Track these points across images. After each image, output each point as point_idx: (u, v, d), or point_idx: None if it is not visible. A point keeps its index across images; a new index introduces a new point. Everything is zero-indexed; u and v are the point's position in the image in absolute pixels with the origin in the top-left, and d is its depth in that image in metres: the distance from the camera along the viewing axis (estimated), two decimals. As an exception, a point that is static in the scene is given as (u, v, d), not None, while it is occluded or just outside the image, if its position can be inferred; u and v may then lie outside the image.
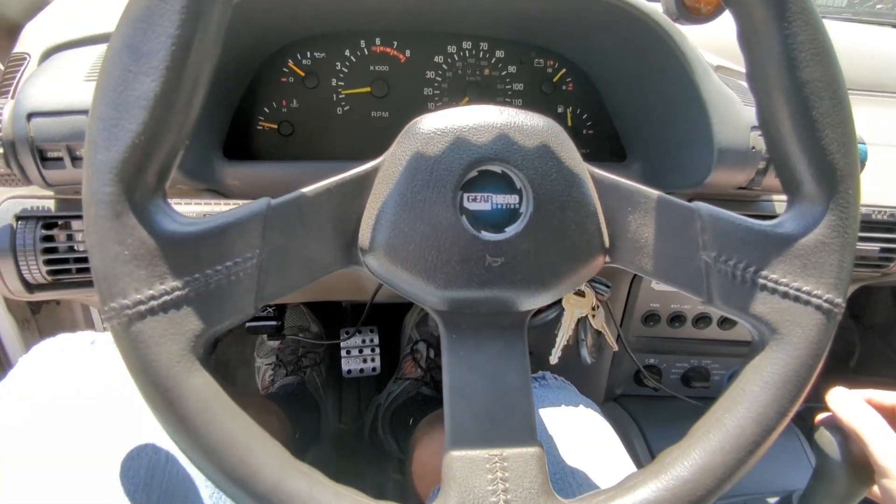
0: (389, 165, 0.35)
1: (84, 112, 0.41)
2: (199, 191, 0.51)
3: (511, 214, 0.36)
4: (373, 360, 1.04)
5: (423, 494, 0.75)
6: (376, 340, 1.05)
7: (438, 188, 0.34)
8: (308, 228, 0.34)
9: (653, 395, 0.82)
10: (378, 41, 0.62)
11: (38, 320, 0.81)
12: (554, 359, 0.55)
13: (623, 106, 0.63)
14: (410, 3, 0.55)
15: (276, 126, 0.61)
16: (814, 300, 0.35)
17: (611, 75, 0.62)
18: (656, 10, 0.51)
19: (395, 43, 0.62)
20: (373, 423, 1.05)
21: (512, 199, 0.36)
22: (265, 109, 0.61)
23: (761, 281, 0.35)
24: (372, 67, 0.62)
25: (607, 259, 0.38)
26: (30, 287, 0.47)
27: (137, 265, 0.28)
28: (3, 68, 0.54)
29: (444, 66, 0.64)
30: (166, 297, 0.29)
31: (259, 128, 0.61)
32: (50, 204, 0.47)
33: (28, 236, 0.45)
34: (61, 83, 0.43)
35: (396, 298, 0.88)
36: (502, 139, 0.35)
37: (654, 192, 0.37)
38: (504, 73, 0.65)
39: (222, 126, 0.54)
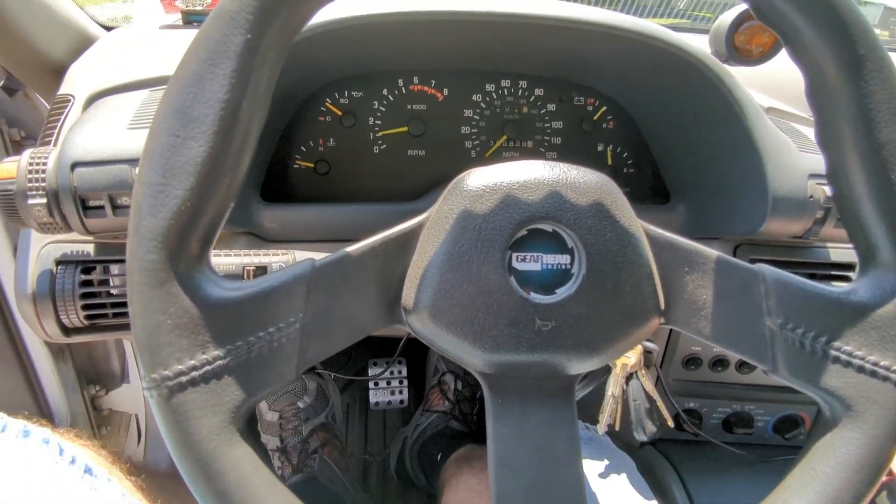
0: (435, 222, 0.34)
1: (126, 161, 0.41)
2: (237, 234, 0.50)
3: (562, 275, 0.34)
4: (401, 392, 1.02)
5: (453, 539, 0.72)
6: (404, 372, 1.03)
7: (486, 247, 0.33)
8: (352, 289, 0.33)
9: (692, 439, 0.78)
10: (416, 80, 0.61)
11: (72, 349, 0.82)
12: (603, 427, 0.53)
13: (667, 146, 0.61)
14: (450, 44, 0.55)
15: (312, 165, 0.61)
16: (892, 376, 0.32)
17: (655, 115, 0.60)
18: (704, 51, 0.50)
19: (433, 82, 0.62)
20: (399, 455, 1.03)
21: (563, 260, 0.34)
22: (302, 148, 0.61)
23: (834, 353, 0.33)
24: (409, 106, 0.62)
25: (662, 321, 0.36)
26: (66, 330, 0.47)
27: (180, 334, 0.27)
28: (48, 108, 0.55)
29: (481, 104, 0.63)
30: (208, 368, 0.28)
31: (295, 166, 0.61)
32: (89, 248, 0.47)
33: (67, 281, 0.45)
34: (104, 132, 0.43)
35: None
36: (553, 197, 0.33)
37: (713, 253, 0.35)
38: (543, 111, 0.64)
39: (260, 169, 0.54)
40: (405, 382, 1.04)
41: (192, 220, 0.27)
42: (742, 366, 0.71)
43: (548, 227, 0.34)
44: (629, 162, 0.66)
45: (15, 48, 0.56)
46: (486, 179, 0.34)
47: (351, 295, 0.33)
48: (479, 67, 0.61)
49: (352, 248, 0.33)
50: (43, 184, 0.39)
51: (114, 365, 0.89)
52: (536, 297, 0.33)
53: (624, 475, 0.52)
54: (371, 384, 1.02)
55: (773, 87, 0.66)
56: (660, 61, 0.51)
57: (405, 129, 0.62)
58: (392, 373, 1.03)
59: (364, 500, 0.90)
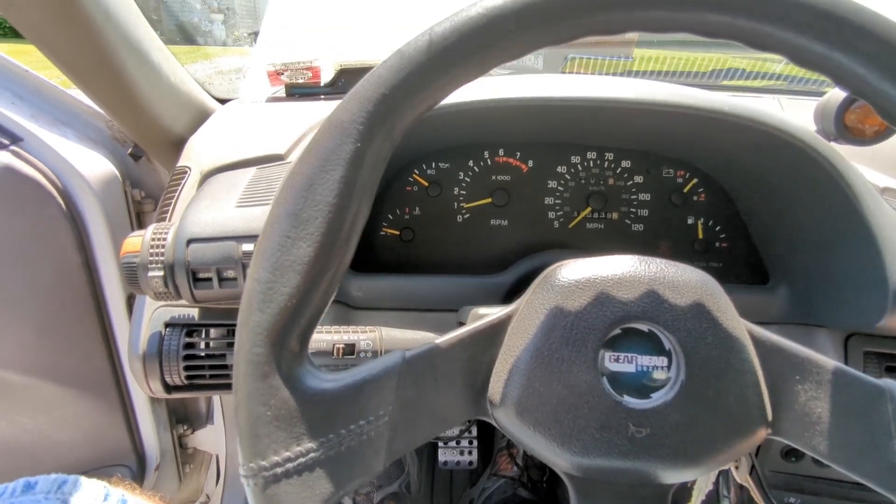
0: (524, 316, 0.34)
1: (234, 238, 0.44)
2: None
3: (659, 379, 0.32)
4: (470, 453, 1.00)
5: None
6: (474, 433, 1.01)
7: (578, 346, 0.32)
8: (439, 381, 0.33)
9: (793, 541, 0.70)
10: (501, 152, 0.62)
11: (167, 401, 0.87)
12: None
13: (766, 224, 0.57)
14: (540, 122, 0.55)
15: (398, 232, 0.63)
16: None
17: (752, 192, 0.58)
18: (809, 130, 0.47)
19: (518, 154, 0.62)
20: (465, 519, 1.00)
21: (660, 362, 0.33)
22: (389, 216, 0.63)
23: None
24: (494, 177, 0.63)
25: (770, 432, 0.33)
26: (168, 388, 0.50)
27: (278, 426, 0.28)
28: (169, 178, 0.60)
29: (566, 175, 0.63)
30: (301, 460, 0.29)
31: (382, 233, 0.63)
32: (194, 312, 0.50)
33: (174, 342, 0.49)
34: (216, 210, 0.47)
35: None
36: (650, 295, 0.32)
37: (829, 363, 0.32)
38: (629, 182, 0.63)
39: (352, 240, 0.57)
40: (475, 443, 1.02)
41: (295, 316, 0.29)
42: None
43: (644, 328, 0.33)
44: (722, 236, 0.63)
45: (142, 122, 0.63)
46: (579, 273, 0.33)
47: (438, 387, 0.33)
48: (565, 140, 0.62)
49: (441, 340, 0.33)
50: (161, 258, 0.43)
51: (200, 405, 0.94)
52: (630, 402, 0.32)
53: None
54: (440, 443, 1.01)
55: (886, 159, 0.61)
56: (761, 140, 0.49)
57: (489, 199, 0.63)
58: (462, 432, 1.02)
59: None
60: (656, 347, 0.33)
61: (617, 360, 0.33)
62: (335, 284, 0.30)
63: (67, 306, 0.70)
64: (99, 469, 0.81)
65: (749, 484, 0.48)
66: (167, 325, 0.50)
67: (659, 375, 0.32)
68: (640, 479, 0.33)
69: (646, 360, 0.33)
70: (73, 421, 0.78)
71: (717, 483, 0.50)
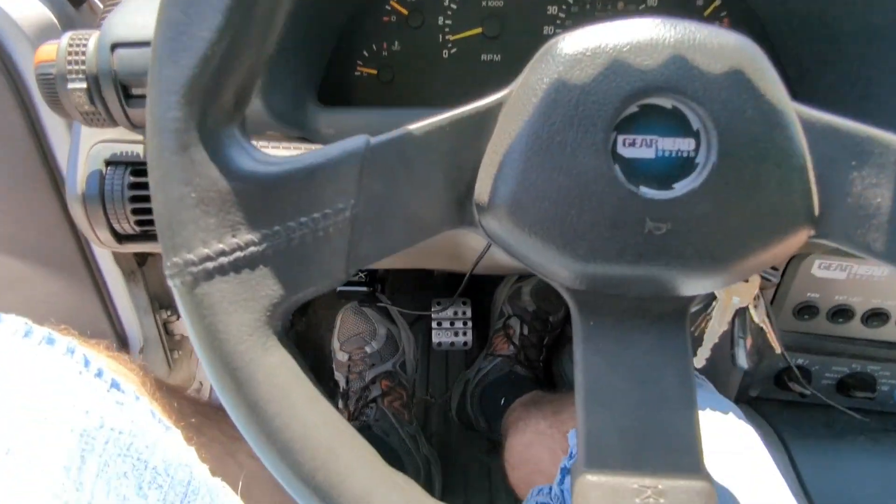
0: (519, 98, 0.27)
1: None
2: (291, 138, 0.45)
3: (683, 165, 0.26)
4: (464, 333, 0.98)
5: (517, 484, 0.68)
6: (469, 314, 0.99)
7: (585, 127, 0.25)
8: (414, 176, 0.27)
9: (798, 401, 0.68)
10: (493, -31, 0.53)
11: (144, 272, 0.83)
12: (701, 360, 0.45)
13: (797, 45, 0.49)
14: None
15: (375, 71, 0.55)
16: None
17: (783, 17, 0.49)
18: None
19: (513, -30, 0.53)
20: (461, 398, 1.00)
21: (685, 145, 0.26)
22: (364, 53, 0.54)
23: None
24: (484, 3, 0.53)
25: (813, 233, 0.27)
26: (119, 237, 0.45)
27: (206, 211, 0.22)
28: (101, 6, 0.51)
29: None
30: (239, 254, 0.23)
31: (357, 73, 0.55)
32: (139, 149, 0.43)
33: (117, 183, 0.43)
34: (148, 10, 0.38)
35: (494, 270, 0.81)
36: (675, 62, 0.25)
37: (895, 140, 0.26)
38: (642, 6, 0.54)
39: (317, 68, 0.49)
40: (469, 324, 1.00)
41: (221, 70, 0.22)
42: (872, 318, 0.60)
43: (666, 103, 0.26)
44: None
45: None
46: (587, 41, 0.26)
47: (412, 184, 0.27)
48: (568, -48, 0.52)
49: (415, 126, 0.27)
50: (83, 66, 0.36)
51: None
52: (648, 192, 0.26)
53: (734, 424, 0.44)
54: (434, 324, 0.99)
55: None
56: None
57: (479, 29, 0.54)
58: (456, 313, 0.99)
59: (422, 458, 0.87)
60: (681, 127, 0.26)
61: (632, 144, 0.26)
62: (271, 37, 0.23)
63: (15, 172, 0.63)
64: (80, 350, 0.78)
65: (767, 326, 0.44)
66: (108, 162, 0.43)
67: (684, 161, 0.26)
68: (655, 289, 0.28)
69: (668, 144, 0.26)
70: (43, 300, 0.74)
71: (732, 325, 0.46)
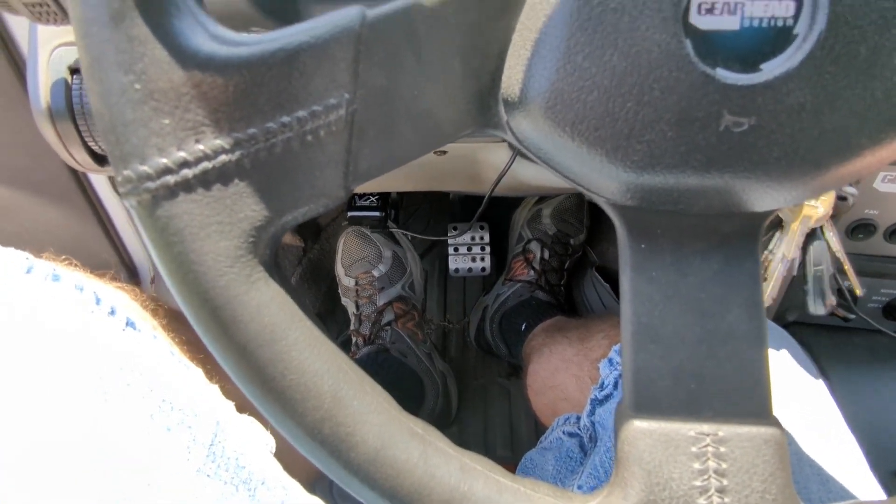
0: None
1: None
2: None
3: (777, 38, 0.20)
4: (482, 259, 0.94)
5: (541, 411, 0.66)
6: (487, 238, 0.94)
7: None
8: (424, 63, 0.21)
9: (840, 325, 0.64)
10: None
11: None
12: (768, 298, 0.40)
13: None
14: None
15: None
16: None
17: None
18: None
19: None
20: (479, 324, 0.98)
21: (782, 10, 0.20)
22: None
23: None
24: None
25: None
26: (98, 158, 0.40)
27: (157, 108, 0.17)
28: None
29: None
30: (206, 165, 0.18)
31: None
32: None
33: (86, 94, 0.37)
34: None
35: (516, 190, 0.75)
36: None
37: None
38: None
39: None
40: (487, 249, 0.95)
41: None
42: (937, 236, 0.54)
43: (760, -48, 0.19)
44: None
45: None
46: None
47: (423, 72, 0.21)
48: None
49: None
50: (19, -55, 0.29)
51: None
52: (728, 76, 0.20)
53: (788, 356, 0.40)
54: (451, 249, 0.95)
55: None
56: None
57: None
58: (473, 238, 0.94)
59: (438, 373, 0.87)
60: None
61: (710, 10, 0.20)
62: None
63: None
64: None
65: (844, 258, 0.38)
66: (73, 70, 0.37)
67: (778, 33, 0.20)
68: (724, 203, 0.22)
69: (758, 8, 0.20)
70: (45, 230, 0.71)
71: (803, 251, 0.40)
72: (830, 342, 0.63)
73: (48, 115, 0.37)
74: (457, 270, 0.95)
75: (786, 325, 0.67)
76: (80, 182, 0.69)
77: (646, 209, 0.23)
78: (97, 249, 0.74)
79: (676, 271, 0.23)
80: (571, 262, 0.96)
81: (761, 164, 0.21)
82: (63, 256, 0.36)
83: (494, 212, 1.01)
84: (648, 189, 0.22)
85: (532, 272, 0.93)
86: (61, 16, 0.32)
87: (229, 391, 0.39)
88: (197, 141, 0.18)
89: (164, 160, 0.18)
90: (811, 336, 0.64)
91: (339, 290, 0.91)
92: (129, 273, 0.79)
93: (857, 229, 0.55)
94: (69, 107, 0.37)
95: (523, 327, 0.85)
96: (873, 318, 0.62)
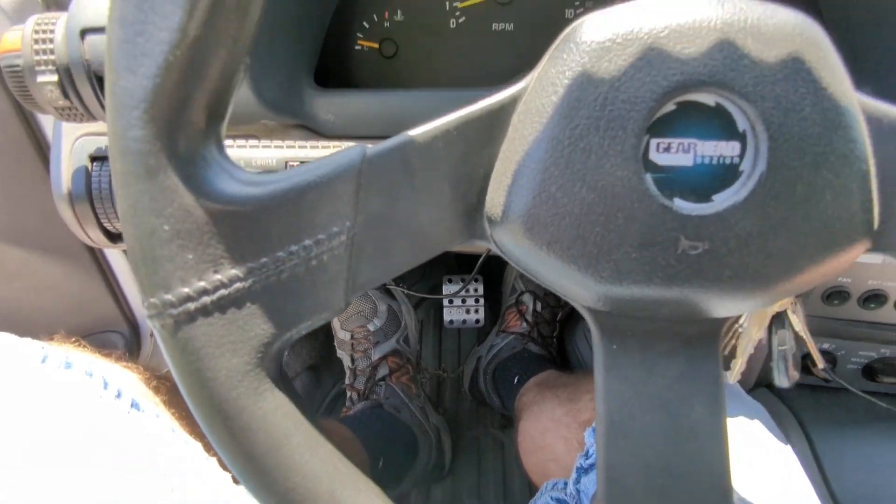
0: (537, 95, 0.23)
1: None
2: (287, 127, 0.42)
3: (725, 174, 0.23)
4: (476, 311, 0.96)
5: (532, 470, 0.67)
6: (481, 290, 0.97)
7: (613, 131, 0.22)
8: (417, 189, 0.24)
9: (821, 385, 0.66)
10: (505, -74, 0.48)
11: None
12: (736, 375, 0.42)
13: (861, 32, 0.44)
14: None
15: (377, 45, 0.50)
16: None
17: None
18: None
19: (527, -71, 0.48)
20: (473, 375, 0.99)
21: (729, 150, 0.23)
22: (364, 25, 0.50)
23: None
24: None
25: (869, 246, 0.24)
26: (111, 236, 0.43)
27: (183, 245, 0.20)
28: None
29: (590, -43, 0.48)
30: (223, 292, 0.20)
31: (357, 48, 0.51)
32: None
33: (104, 180, 0.40)
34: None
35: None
36: (722, 50, 0.22)
37: None
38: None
39: (312, 47, 0.45)
40: (481, 301, 0.98)
41: (187, 77, 0.19)
42: (907, 303, 0.56)
43: (709, 100, 0.22)
44: None
45: None
46: (616, 24, 0.22)
47: (416, 198, 0.24)
48: None
49: (418, 132, 0.23)
50: (52, 56, 0.32)
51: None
52: (684, 206, 0.23)
53: (760, 431, 0.42)
54: (446, 301, 0.97)
55: None
56: None
57: (490, -5, 0.49)
58: (468, 291, 0.97)
59: (432, 428, 0.88)
60: (726, 128, 0.23)
61: (667, 149, 0.23)
62: (248, 29, 0.20)
63: (7, 158, 0.61)
64: (89, 336, 0.77)
65: (806, 335, 0.41)
66: (93, 158, 0.40)
67: (726, 169, 0.23)
68: (686, 312, 0.25)
69: (708, 148, 0.23)
70: (51, 286, 0.73)
71: (769, 331, 0.43)
72: (812, 402, 0.65)
73: (68, 200, 0.40)
74: (451, 322, 0.96)
75: (769, 385, 0.69)
76: (89, 246, 0.72)
77: (616, 314, 0.26)
78: (102, 307, 0.76)
79: (645, 371, 0.26)
80: (563, 313, 0.98)
81: (716, 282, 0.23)
82: (73, 339, 0.39)
83: (488, 263, 1.03)
84: (618, 298, 0.24)
85: (525, 324, 0.95)
86: (87, 116, 0.35)
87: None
88: (216, 272, 0.20)
89: (186, 290, 0.20)
90: (794, 395, 0.66)
91: (335, 342, 0.93)
92: (132, 330, 0.81)
93: (832, 296, 0.58)
94: (88, 192, 0.40)
95: (516, 380, 0.86)
96: (854, 379, 0.64)
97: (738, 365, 0.41)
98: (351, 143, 0.34)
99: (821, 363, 0.43)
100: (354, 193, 0.22)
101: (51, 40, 0.32)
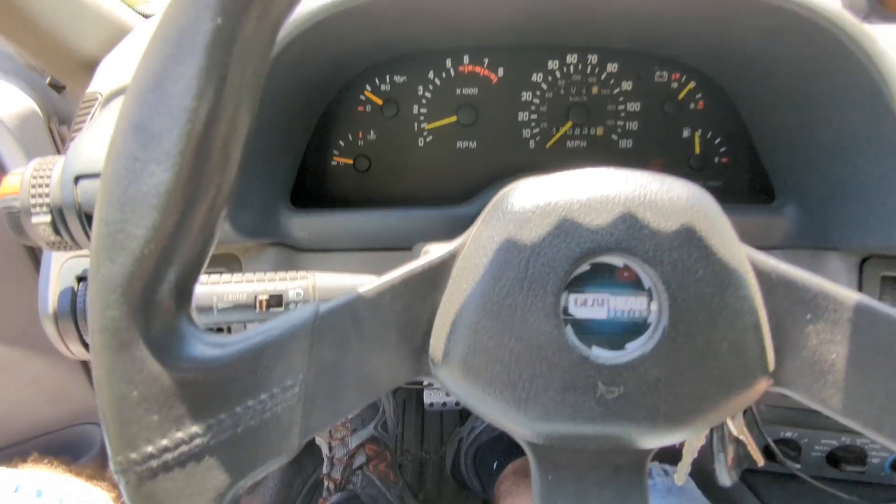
0: (471, 254, 0.27)
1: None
2: (264, 246, 0.45)
3: (636, 325, 0.26)
4: (456, 392, 0.97)
5: (507, 563, 0.67)
6: (460, 372, 0.98)
7: (535, 291, 0.25)
8: (367, 339, 0.26)
9: (787, 473, 0.67)
10: (466, 59, 0.53)
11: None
12: (682, 477, 0.44)
13: (775, 131, 0.49)
14: (506, 16, 0.46)
15: (351, 161, 0.55)
16: None
17: (759, 92, 0.49)
18: (835, 6, 0.38)
19: (486, 60, 0.53)
20: (455, 456, 0.98)
21: (638, 304, 0.26)
22: (340, 143, 0.55)
23: None
24: (458, 90, 0.54)
25: (771, 383, 0.27)
26: (90, 349, 0.45)
27: (148, 409, 0.22)
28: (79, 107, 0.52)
29: (542, 85, 0.54)
30: (184, 448, 0.23)
31: (333, 164, 0.55)
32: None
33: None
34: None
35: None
36: (626, 221, 0.25)
37: (851, 296, 0.26)
38: (616, 90, 0.54)
39: (289, 171, 0.49)
40: (462, 382, 0.98)
41: (160, 265, 0.22)
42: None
43: (618, 261, 0.26)
44: (722, 150, 0.55)
45: (42, 44, 0.53)
46: (536, 196, 0.26)
47: (365, 346, 0.26)
48: (539, 42, 0.52)
49: (366, 289, 0.27)
50: (47, 199, 0.36)
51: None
52: (600, 355, 0.26)
53: None
54: (426, 383, 0.98)
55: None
56: (770, 22, 0.40)
57: (454, 118, 0.54)
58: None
59: None
60: (634, 286, 0.26)
61: (584, 303, 0.26)
62: (215, 219, 0.23)
63: (1, 262, 0.64)
64: (67, 428, 0.77)
65: (746, 437, 0.43)
66: (80, 278, 0.43)
67: (636, 321, 0.26)
68: (612, 445, 0.27)
69: (620, 303, 0.26)
70: (31, 381, 0.73)
71: (710, 438, 0.45)
72: (779, 491, 0.66)
73: (53, 318, 0.43)
74: (432, 405, 0.97)
75: (742, 475, 0.69)
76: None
77: (550, 447, 0.28)
78: (81, 399, 0.76)
79: (578, 498, 0.28)
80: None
81: (633, 421, 0.26)
82: (46, 460, 0.40)
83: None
84: (549, 434, 0.27)
85: (505, 404, 0.95)
86: (75, 247, 0.38)
87: None
88: (177, 430, 0.23)
89: (150, 448, 0.22)
90: (762, 483, 0.67)
91: None
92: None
93: (789, 386, 0.60)
94: (73, 310, 0.42)
95: (495, 465, 0.86)
96: (820, 466, 0.65)
97: (684, 468, 0.43)
98: (320, 276, 0.37)
99: (760, 462, 0.45)
100: (308, 348, 0.25)
101: (47, 185, 0.36)
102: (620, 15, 0.45)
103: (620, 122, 0.54)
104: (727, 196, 0.55)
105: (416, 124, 0.55)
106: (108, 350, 0.22)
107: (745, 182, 0.54)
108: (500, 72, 0.54)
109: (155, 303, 0.22)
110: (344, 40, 0.44)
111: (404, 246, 0.48)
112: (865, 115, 0.38)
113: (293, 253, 0.47)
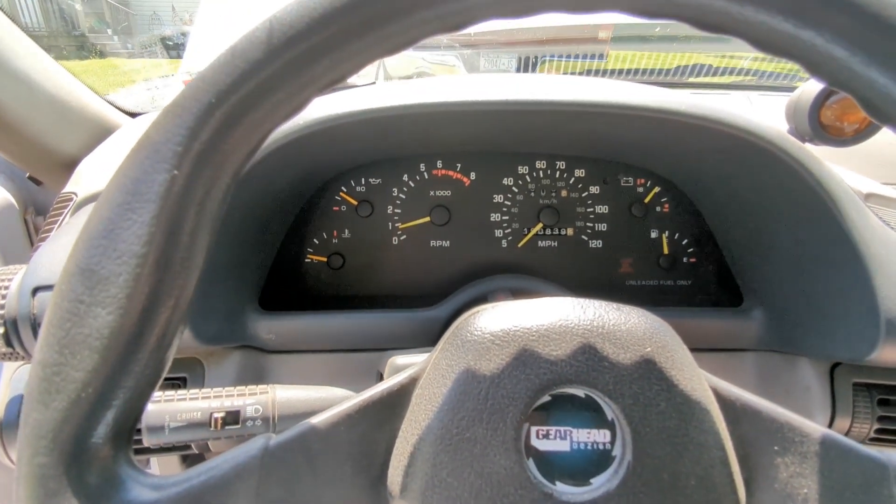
0: (430, 382, 0.26)
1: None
2: (230, 349, 0.44)
3: (600, 458, 0.25)
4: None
5: None
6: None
7: (495, 423, 0.25)
8: (320, 474, 0.25)
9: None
10: (439, 164, 0.55)
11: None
12: None
13: (738, 239, 0.51)
14: (478, 129, 0.48)
15: (325, 259, 0.55)
16: None
17: (720, 202, 0.51)
18: (780, 131, 0.41)
19: (459, 165, 0.55)
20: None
21: (601, 436, 0.25)
22: (314, 241, 0.55)
23: None
24: (432, 192, 0.55)
25: None
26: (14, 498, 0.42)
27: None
28: (52, 207, 0.52)
29: (513, 188, 0.56)
30: None
31: (307, 261, 0.55)
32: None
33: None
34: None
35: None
36: (585, 352, 0.25)
37: (817, 430, 0.26)
38: (585, 194, 0.56)
39: (259, 272, 0.49)
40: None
41: (96, 410, 0.21)
42: None
43: (579, 392, 0.25)
44: (690, 251, 0.56)
45: (23, 149, 0.54)
46: (496, 324, 0.26)
47: (319, 482, 0.25)
48: (510, 148, 0.55)
49: (319, 419, 0.26)
50: (1, 311, 0.35)
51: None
52: (565, 491, 0.24)
53: None
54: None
55: (868, 157, 0.55)
56: (723, 143, 0.42)
57: (427, 218, 0.55)
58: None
59: None
60: (596, 417, 0.25)
61: (546, 436, 0.25)
62: (162, 361, 0.23)
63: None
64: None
65: None
66: (31, 386, 0.41)
67: (600, 454, 0.25)
68: None
69: (583, 435, 0.25)
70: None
71: None
72: None
73: (-2, 429, 0.40)
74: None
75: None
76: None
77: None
78: None
79: None
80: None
81: (601, 564, 0.24)
82: None
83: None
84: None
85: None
86: (27, 358, 0.37)
87: None
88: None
89: None
90: None
91: None
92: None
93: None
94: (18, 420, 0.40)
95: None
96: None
97: None
98: (280, 389, 0.36)
99: None
100: (255, 488, 0.24)
101: (3, 296, 0.35)
102: (583, 133, 0.48)
103: (590, 224, 0.56)
104: (696, 296, 0.56)
105: (390, 224, 0.55)
106: (34, 500, 0.20)
107: (714, 283, 0.55)
108: (473, 175, 0.55)
109: (89, 448, 0.21)
110: (318, 152, 0.46)
111: (374, 347, 0.47)
112: (818, 233, 0.40)
113: (260, 355, 0.46)
